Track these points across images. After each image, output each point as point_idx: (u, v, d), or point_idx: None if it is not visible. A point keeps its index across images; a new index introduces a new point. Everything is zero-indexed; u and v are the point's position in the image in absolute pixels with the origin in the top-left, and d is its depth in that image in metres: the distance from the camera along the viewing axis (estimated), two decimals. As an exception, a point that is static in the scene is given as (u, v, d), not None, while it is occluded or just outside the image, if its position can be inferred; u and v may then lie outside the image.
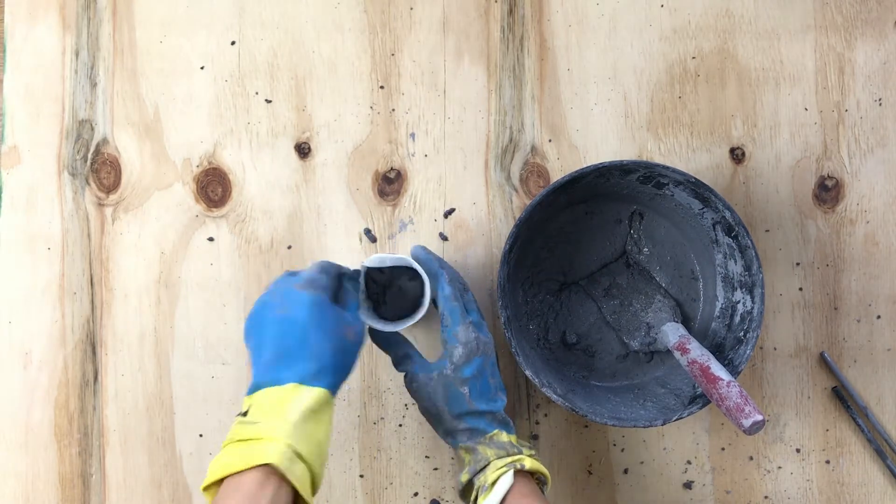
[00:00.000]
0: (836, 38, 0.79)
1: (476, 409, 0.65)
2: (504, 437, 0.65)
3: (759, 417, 0.62)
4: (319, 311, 0.59)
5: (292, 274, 0.63)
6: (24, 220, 0.77)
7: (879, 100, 0.79)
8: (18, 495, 0.75)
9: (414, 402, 0.69)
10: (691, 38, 0.79)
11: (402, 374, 0.68)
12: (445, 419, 0.65)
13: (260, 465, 0.52)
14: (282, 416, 0.54)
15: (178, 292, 0.76)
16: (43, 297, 0.76)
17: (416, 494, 0.76)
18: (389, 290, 0.68)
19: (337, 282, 0.63)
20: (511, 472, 0.62)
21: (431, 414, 0.66)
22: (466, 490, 0.65)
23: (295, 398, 0.55)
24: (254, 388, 0.57)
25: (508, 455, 0.64)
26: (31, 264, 0.76)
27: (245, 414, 0.55)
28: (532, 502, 0.61)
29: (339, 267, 0.65)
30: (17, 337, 0.76)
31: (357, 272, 0.66)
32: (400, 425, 0.76)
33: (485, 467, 0.64)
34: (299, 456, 0.53)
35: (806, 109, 0.79)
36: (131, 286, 0.76)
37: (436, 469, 0.76)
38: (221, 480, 0.53)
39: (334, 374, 0.58)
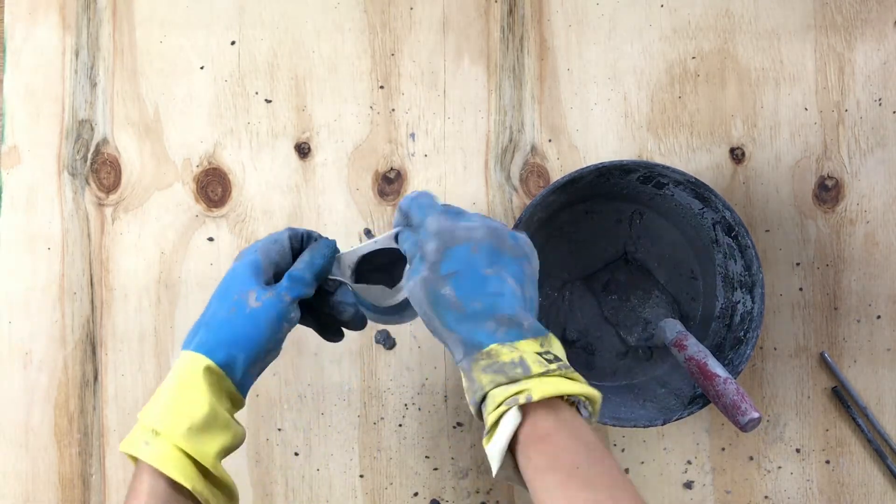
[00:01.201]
0: (836, 38, 0.79)
1: (467, 310, 0.51)
2: (506, 353, 0.49)
3: (756, 415, 0.62)
4: (230, 281, 0.56)
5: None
6: (24, 220, 0.77)
7: (879, 100, 0.79)
8: (18, 495, 0.75)
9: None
10: (691, 38, 0.79)
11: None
12: (439, 330, 0.52)
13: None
14: (154, 396, 0.54)
15: (178, 292, 0.76)
16: (43, 297, 0.76)
17: (416, 494, 0.76)
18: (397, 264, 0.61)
19: (290, 248, 0.58)
20: (514, 411, 0.48)
21: (430, 327, 0.54)
22: (481, 421, 0.52)
23: (174, 367, 0.54)
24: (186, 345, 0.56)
25: (511, 382, 0.48)
26: (31, 264, 0.76)
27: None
28: (554, 445, 0.47)
29: (310, 231, 0.60)
30: (17, 337, 0.76)
31: (327, 244, 0.59)
32: (400, 425, 0.76)
33: (483, 399, 0.50)
34: (157, 434, 0.52)
35: (806, 109, 0.79)
36: (131, 286, 0.76)
37: (436, 469, 0.76)
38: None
39: (225, 343, 0.54)
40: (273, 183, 0.77)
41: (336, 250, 0.60)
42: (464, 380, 0.52)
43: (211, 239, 0.77)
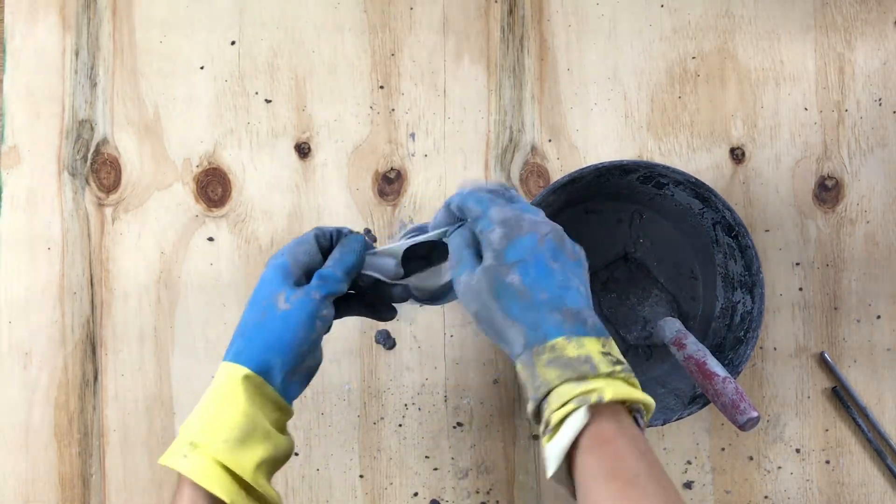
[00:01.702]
0: (836, 38, 0.79)
1: (533, 299, 0.49)
2: (572, 348, 0.48)
3: (755, 414, 0.62)
4: (259, 285, 0.55)
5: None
6: (24, 220, 0.77)
7: (879, 100, 0.79)
8: (18, 495, 0.75)
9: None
10: (691, 38, 0.79)
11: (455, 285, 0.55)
12: (498, 322, 0.50)
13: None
14: (195, 409, 0.53)
15: (178, 292, 0.76)
16: (43, 297, 0.76)
17: (415, 494, 0.76)
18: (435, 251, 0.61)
19: (319, 247, 0.57)
20: (584, 410, 0.46)
21: (484, 321, 0.51)
22: (537, 417, 0.50)
23: (213, 379, 0.53)
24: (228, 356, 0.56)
25: (580, 379, 0.47)
26: (31, 264, 0.76)
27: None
28: (615, 451, 0.45)
29: (342, 228, 0.59)
30: (17, 337, 0.76)
31: (357, 239, 0.58)
32: (400, 425, 0.76)
33: (547, 395, 0.48)
34: (195, 446, 0.50)
35: (806, 109, 0.79)
36: (131, 286, 0.76)
37: (436, 469, 0.76)
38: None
39: (259, 348, 0.53)
40: (273, 183, 0.77)
41: (367, 245, 0.58)
42: (522, 373, 0.49)
43: (211, 239, 0.77)
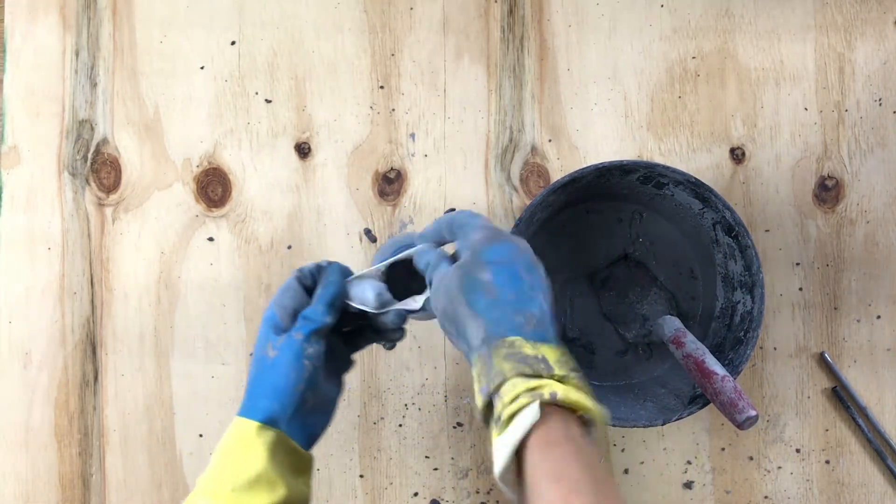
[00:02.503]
0: (836, 37, 0.79)
1: (500, 298, 0.49)
2: (529, 348, 0.48)
3: (753, 413, 0.62)
4: (257, 343, 0.57)
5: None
6: (24, 219, 0.77)
7: (879, 100, 0.79)
8: (18, 495, 0.75)
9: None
10: (691, 37, 0.79)
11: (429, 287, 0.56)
12: (461, 316, 0.50)
13: None
14: (211, 462, 0.54)
15: (178, 292, 0.76)
16: (43, 297, 0.76)
17: (416, 494, 0.76)
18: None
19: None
20: (536, 405, 0.45)
21: (448, 316, 0.52)
22: (487, 412, 0.50)
23: (229, 433, 0.54)
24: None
25: (534, 375, 0.47)
26: (31, 264, 0.76)
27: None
28: (562, 455, 0.44)
29: (320, 263, 0.60)
30: (17, 337, 0.76)
31: (333, 270, 0.59)
32: (400, 425, 0.76)
33: (499, 387, 0.47)
34: (207, 497, 0.51)
35: (806, 109, 0.79)
36: (131, 286, 0.76)
37: (436, 469, 0.76)
38: None
39: (263, 399, 0.54)
40: (273, 183, 0.77)
41: (346, 272, 0.59)
42: (476, 366, 0.49)
43: (211, 239, 0.77)
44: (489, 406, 0.49)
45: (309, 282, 0.59)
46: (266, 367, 0.55)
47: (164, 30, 0.78)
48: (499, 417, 0.47)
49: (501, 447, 0.46)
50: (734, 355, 0.70)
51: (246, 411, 0.54)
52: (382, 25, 0.78)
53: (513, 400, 0.46)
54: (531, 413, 0.45)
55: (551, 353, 0.49)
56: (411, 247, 0.60)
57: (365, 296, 0.59)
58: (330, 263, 0.60)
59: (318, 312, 0.56)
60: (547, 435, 0.45)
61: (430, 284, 0.55)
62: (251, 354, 0.74)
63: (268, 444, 0.53)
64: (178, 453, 0.76)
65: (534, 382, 0.46)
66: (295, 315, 0.57)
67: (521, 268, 0.51)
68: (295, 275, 0.59)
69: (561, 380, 0.47)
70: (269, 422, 0.54)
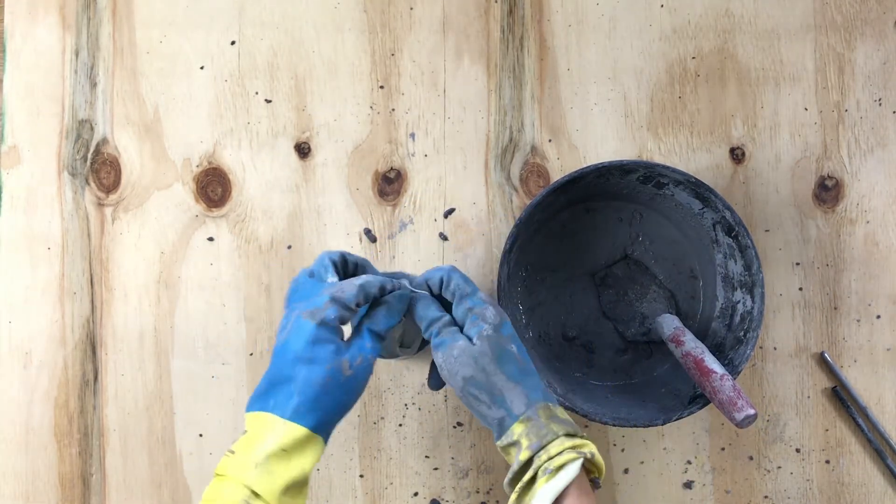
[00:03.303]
0: (835, 37, 0.80)
1: (526, 367, 0.58)
2: (561, 411, 0.58)
3: (752, 411, 0.62)
4: (314, 344, 0.55)
5: (318, 278, 0.59)
6: (24, 219, 0.77)
7: (879, 100, 0.79)
8: (18, 495, 0.75)
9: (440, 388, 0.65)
10: (691, 38, 0.79)
11: (437, 348, 0.59)
12: (499, 385, 0.57)
13: None
14: (250, 453, 0.53)
15: (177, 292, 0.76)
16: (43, 296, 0.76)
17: (416, 494, 0.76)
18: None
19: (371, 298, 0.59)
20: (580, 462, 0.55)
21: (479, 385, 0.57)
22: (517, 474, 0.57)
23: (270, 433, 0.54)
24: (248, 406, 0.56)
25: (571, 434, 0.57)
26: (30, 264, 0.76)
27: (234, 452, 0.55)
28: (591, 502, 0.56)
29: (385, 281, 0.59)
30: (17, 337, 0.76)
31: (402, 298, 0.60)
32: (400, 425, 0.76)
33: (549, 444, 0.56)
34: (257, 496, 0.52)
35: (806, 109, 0.79)
36: (131, 286, 0.76)
37: (436, 469, 0.76)
38: None
39: (321, 411, 0.55)
40: (273, 183, 0.77)
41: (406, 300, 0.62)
42: (525, 427, 0.56)
43: (211, 239, 0.77)
44: (528, 462, 0.56)
45: (343, 269, 0.61)
46: (339, 384, 0.55)
47: (163, 30, 0.78)
48: (545, 466, 0.55)
49: (549, 491, 0.54)
50: (734, 355, 0.70)
51: (300, 416, 0.54)
52: (382, 25, 0.78)
53: (559, 453, 0.55)
54: (576, 467, 0.55)
55: (564, 413, 0.58)
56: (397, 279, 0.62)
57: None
58: (399, 290, 0.60)
59: (381, 337, 0.59)
60: (580, 489, 0.55)
61: (438, 347, 0.59)
62: (251, 355, 0.74)
63: (315, 453, 0.55)
64: (178, 453, 0.76)
65: (577, 441, 0.56)
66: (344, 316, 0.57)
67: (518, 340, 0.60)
68: (337, 287, 0.57)
69: (583, 437, 0.57)
70: (317, 430, 0.55)
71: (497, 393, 0.57)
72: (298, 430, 0.54)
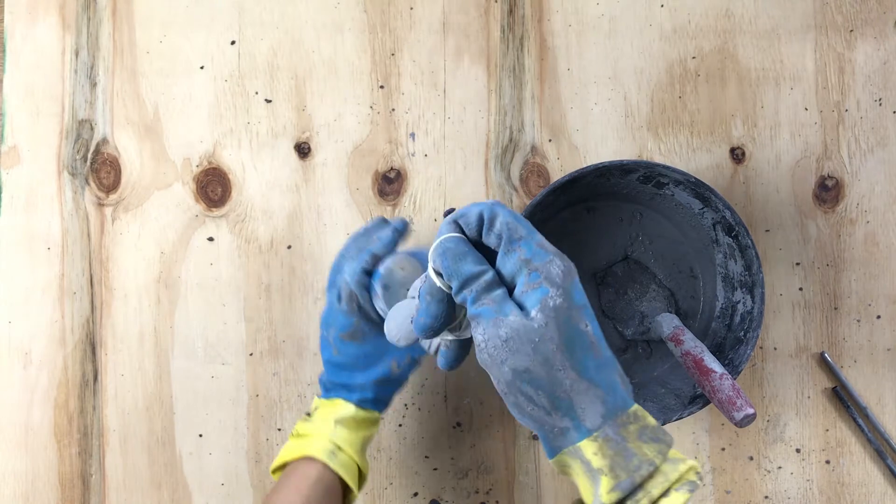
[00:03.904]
0: (836, 37, 0.79)
1: (604, 355, 0.41)
2: (651, 418, 0.41)
3: (751, 411, 0.62)
4: (374, 347, 0.63)
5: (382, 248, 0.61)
6: (24, 219, 0.77)
7: (880, 100, 0.79)
8: (18, 495, 0.75)
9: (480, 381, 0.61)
10: (691, 37, 0.79)
11: (476, 320, 0.42)
12: (563, 383, 0.40)
13: (308, 457, 0.60)
14: (329, 418, 0.62)
15: (177, 292, 0.76)
16: (43, 297, 0.76)
17: (415, 494, 0.76)
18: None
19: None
20: (686, 495, 0.39)
21: (534, 382, 0.40)
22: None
23: (343, 408, 0.63)
24: (323, 392, 0.65)
25: (666, 453, 0.40)
26: (30, 264, 0.76)
27: (310, 414, 0.64)
28: None
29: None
30: (17, 337, 0.76)
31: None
32: (400, 425, 0.76)
33: (646, 482, 0.39)
34: (340, 449, 0.61)
35: (806, 109, 0.79)
36: (131, 286, 0.76)
37: (435, 469, 0.76)
38: (284, 466, 0.62)
39: (379, 402, 0.64)
40: (273, 183, 0.77)
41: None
42: (601, 452, 0.40)
43: (211, 239, 0.77)
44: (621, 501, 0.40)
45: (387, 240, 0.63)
46: (389, 378, 0.65)
47: (163, 30, 0.78)
48: None
49: None
50: (734, 355, 0.70)
51: (363, 404, 0.63)
52: (382, 25, 0.78)
53: (664, 493, 0.39)
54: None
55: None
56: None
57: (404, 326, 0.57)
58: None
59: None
60: None
61: (477, 319, 0.41)
62: (251, 355, 0.74)
63: (377, 423, 0.66)
64: (178, 453, 0.76)
65: (681, 467, 0.40)
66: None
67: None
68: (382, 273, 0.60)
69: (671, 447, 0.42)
70: (376, 408, 0.65)
71: (563, 395, 0.40)
72: (364, 411, 0.63)
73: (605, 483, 0.39)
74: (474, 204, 0.44)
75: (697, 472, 0.40)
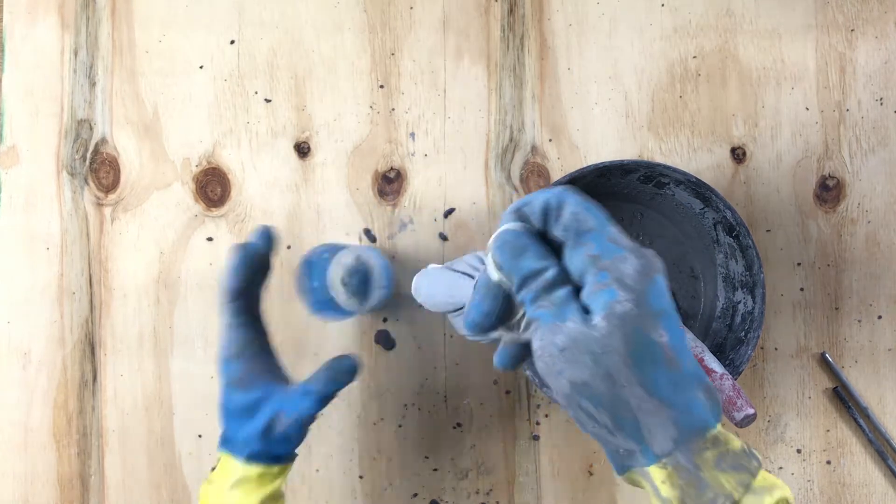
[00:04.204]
0: (837, 37, 0.79)
1: (683, 370, 0.36)
2: (736, 441, 0.37)
3: (751, 411, 0.62)
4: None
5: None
6: (23, 219, 0.77)
7: (881, 99, 0.79)
8: (17, 496, 0.75)
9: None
10: (692, 37, 0.79)
11: (534, 324, 0.38)
12: (632, 403, 0.35)
13: None
14: (224, 485, 0.58)
15: (177, 292, 0.76)
16: (42, 297, 0.76)
17: (415, 495, 0.76)
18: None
19: None
20: None
21: (601, 400, 0.36)
22: None
23: (234, 472, 0.58)
24: (218, 444, 0.60)
25: (749, 483, 0.36)
26: (29, 264, 0.76)
27: (214, 468, 0.60)
28: None
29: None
30: (16, 337, 0.76)
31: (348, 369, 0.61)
32: (399, 426, 0.76)
33: None
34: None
35: (807, 109, 0.79)
36: (130, 286, 0.76)
37: (435, 470, 0.76)
38: None
39: (272, 456, 0.59)
40: (272, 183, 0.77)
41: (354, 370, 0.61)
42: (671, 481, 0.35)
43: (210, 239, 0.77)
44: None
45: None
46: (273, 440, 0.60)
47: (163, 29, 0.78)
48: None
49: None
50: (735, 355, 0.70)
51: (254, 459, 0.59)
52: (382, 25, 0.78)
53: None
54: None
55: (743, 444, 0.37)
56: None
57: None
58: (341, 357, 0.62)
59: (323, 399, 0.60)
60: None
61: (536, 323, 0.38)
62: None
63: (281, 475, 0.60)
64: (178, 454, 0.76)
65: (766, 501, 0.35)
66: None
67: (678, 316, 0.37)
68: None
69: (761, 470, 0.37)
70: (275, 463, 0.60)
71: (627, 415, 0.36)
72: (257, 467, 0.58)
73: None
74: (541, 191, 0.39)
75: (788, 502, 0.36)
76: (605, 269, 0.36)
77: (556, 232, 0.38)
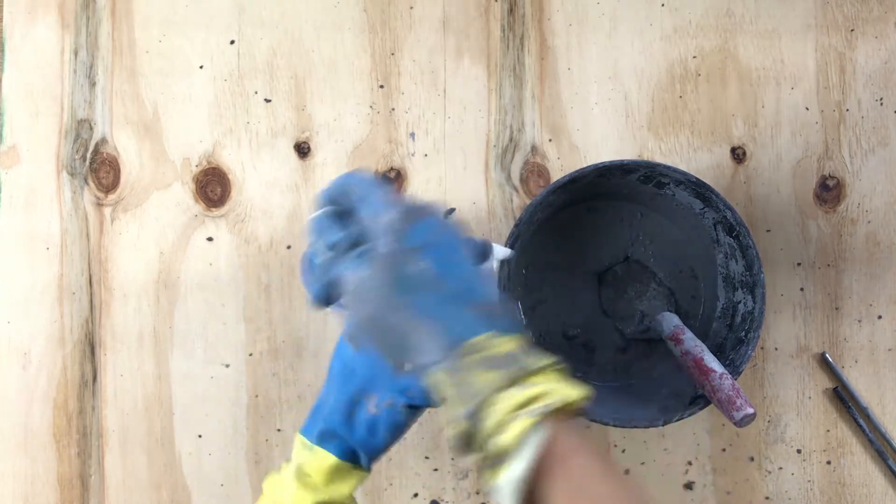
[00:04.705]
0: (837, 37, 0.79)
1: (448, 289, 0.41)
2: (505, 343, 0.40)
3: (751, 411, 0.62)
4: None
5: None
6: (23, 219, 0.76)
7: (881, 99, 0.79)
8: (17, 496, 0.75)
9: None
10: (692, 37, 0.79)
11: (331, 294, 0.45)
12: (404, 324, 0.41)
13: None
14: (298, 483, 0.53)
15: (177, 292, 0.76)
16: (42, 297, 0.76)
17: (415, 495, 0.76)
18: None
19: None
20: (540, 427, 0.37)
21: (378, 328, 0.42)
22: (467, 440, 0.40)
23: (316, 464, 0.53)
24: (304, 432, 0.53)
25: (516, 379, 0.38)
26: (29, 264, 0.76)
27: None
28: (577, 470, 0.37)
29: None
30: (16, 337, 0.76)
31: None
32: (400, 426, 0.76)
33: (481, 407, 0.38)
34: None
35: (807, 109, 0.79)
36: (130, 286, 0.76)
37: (436, 469, 0.76)
38: None
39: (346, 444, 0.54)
40: (273, 182, 0.77)
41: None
42: (444, 385, 0.40)
43: (210, 239, 0.77)
44: (468, 435, 0.40)
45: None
46: (360, 421, 0.51)
47: (163, 29, 0.78)
48: (497, 453, 0.38)
49: (509, 485, 0.37)
50: (735, 355, 0.70)
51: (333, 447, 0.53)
52: (382, 24, 0.78)
53: (507, 423, 0.37)
54: (537, 437, 0.37)
55: (517, 344, 0.40)
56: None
57: None
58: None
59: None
60: (554, 451, 0.37)
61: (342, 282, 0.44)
62: (251, 355, 0.74)
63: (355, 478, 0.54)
64: (178, 454, 0.76)
65: (525, 393, 0.38)
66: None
67: (458, 246, 0.43)
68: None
69: (545, 370, 0.40)
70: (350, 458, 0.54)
71: (403, 337, 0.41)
72: (323, 459, 0.52)
73: (456, 414, 0.40)
74: (336, 177, 0.49)
75: (546, 399, 0.37)
76: (375, 223, 0.43)
77: (350, 205, 0.46)
